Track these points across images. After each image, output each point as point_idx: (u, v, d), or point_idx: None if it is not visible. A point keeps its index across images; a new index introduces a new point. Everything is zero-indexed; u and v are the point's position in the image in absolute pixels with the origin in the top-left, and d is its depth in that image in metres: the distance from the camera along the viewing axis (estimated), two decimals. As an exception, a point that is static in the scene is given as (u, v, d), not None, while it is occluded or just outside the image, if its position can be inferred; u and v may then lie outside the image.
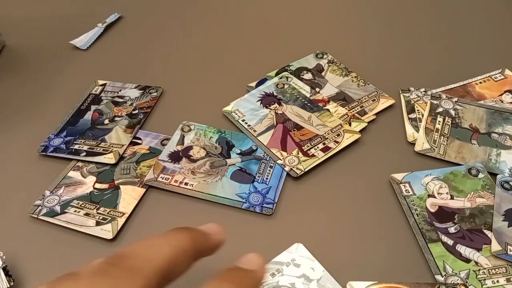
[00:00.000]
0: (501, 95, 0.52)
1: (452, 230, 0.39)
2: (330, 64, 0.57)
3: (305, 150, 0.46)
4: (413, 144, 0.47)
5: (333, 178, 0.45)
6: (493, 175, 0.44)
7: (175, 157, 0.46)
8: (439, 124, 0.49)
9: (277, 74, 0.55)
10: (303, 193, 0.44)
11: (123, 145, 0.48)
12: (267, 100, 0.52)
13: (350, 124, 0.49)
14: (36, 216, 0.42)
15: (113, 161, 0.46)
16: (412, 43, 0.60)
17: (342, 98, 0.52)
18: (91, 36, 0.63)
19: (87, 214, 0.42)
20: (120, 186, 0.44)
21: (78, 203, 0.43)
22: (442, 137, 0.47)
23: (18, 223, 0.42)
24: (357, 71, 0.55)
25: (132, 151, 0.48)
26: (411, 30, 0.63)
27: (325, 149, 0.46)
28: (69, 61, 0.60)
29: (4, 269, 0.36)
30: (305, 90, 0.53)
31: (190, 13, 0.68)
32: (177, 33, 0.64)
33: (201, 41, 0.62)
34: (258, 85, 0.54)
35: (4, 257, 0.37)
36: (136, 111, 0.52)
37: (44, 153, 0.47)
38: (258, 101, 0.52)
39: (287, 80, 0.54)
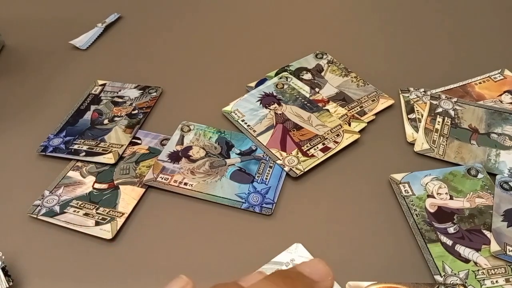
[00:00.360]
0: (501, 95, 0.52)
1: (451, 230, 0.39)
2: (329, 64, 0.57)
3: (304, 150, 0.46)
4: (412, 144, 0.47)
5: (332, 178, 0.45)
6: (493, 175, 0.44)
7: (174, 157, 0.46)
8: (438, 124, 0.49)
9: (276, 74, 0.55)
10: (303, 193, 0.44)
11: (122, 145, 0.48)
12: (266, 100, 0.52)
13: (349, 124, 0.49)
14: (35, 216, 0.42)
15: (112, 161, 0.46)
16: (412, 44, 0.60)
17: (341, 98, 0.52)
18: (91, 36, 0.63)
19: (86, 214, 0.42)
20: (120, 186, 0.44)
21: (78, 203, 0.43)
22: (442, 137, 0.48)
23: (17, 223, 0.42)
24: (356, 71, 0.55)
25: (132, 151, 0.48)
26: (411, 31, 0.63)
27: (325, 149, 0.46)
28: (68, 61, 0.60)
29: (3, 269, 0.36)
30: (305, 90, 0.53)
31: (189, 13, 0.68)
32: (177, 33, 0.64)
33: (200, 41, 0.62)
34: (257, 85, 0.54)
35: (3, 257, 0.37)
36: (136, 111, 0.52)
37: (44, 153, 0.47)
38: (258, 101, 0.52)
39: (287, 80, 0.54)
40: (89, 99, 0.54)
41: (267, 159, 0.46)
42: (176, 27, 0.65)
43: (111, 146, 0.47)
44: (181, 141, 0.48)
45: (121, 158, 0.47)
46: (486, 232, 0.39)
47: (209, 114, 0.51)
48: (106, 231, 0.40)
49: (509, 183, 0.43)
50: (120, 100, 0.53)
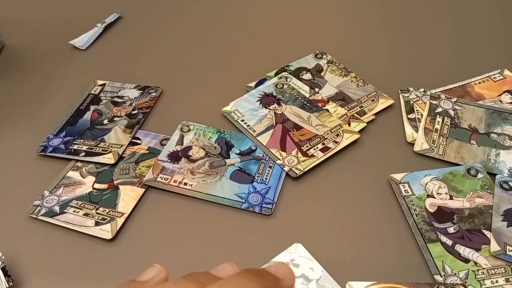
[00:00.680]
0: (500, 95, 0.52)
1: (451, 230, 0.39)
2: (329, 64, 0.57)
3: (304, 150, 0.46)
4: (412, 144, 0.47)
5: (332, 178, 0.45)
6: (492, 175, 0.44)
7: (174, 157, 0.46)
8: (438, 124, 0.49)
9: (276, 74, 0.55)
10: (302, 193, 0.44)
11: (122, 145, 0.48)
12: (266, 100, 0.52)
13: (349, 124, 0.49)
14: (35, 216, 0.42)
15: (112, 161, 0.46)
16: (412, 44, 0.60)
17: (341, 98, 0.52)
18: (91, 36, 0.63)
19: (86, 214, 0.42)
20: (119, 186, 0.44)
21: (77, 203, 0.43)
22: (441, 137, 0.48)
23: (17, 223, 0.42)
24: (356, 71, 0.55)
25: (131, 151, 0.48)
26: (411, 31, 0.63)
27: (325, 149, 0.46)
28: (68, 61, 0.60)
29: (3, 269, 0.36)
30: (305, 90, 0.53)
31: (189, 13, 0.68)
32: (177, 33, 0.64)
33: (200, 41, 0.62)
34: (257, 85, 0.54)
35: (3, 257, 0.37)
36: (135, 111, 0.52)
37: (43, 153, 0.47)
38: (258, 101, 0.52)
39: (287, 80, 0.54)
40: (89, 99, 0.54)
41: (267, 159, 0.46)
42: (176, 27, 0.65)
43: (111, 146, 0.47)
44: (180, 141, 0.48)
45: (120, 158, 0.47)
46: (486, 232, 0.39)
47: (208, 114, 0.51)
48: (106, 231, 0.40)
49: (509, 183, 0.43)
50: (119, 100, 0.53)
